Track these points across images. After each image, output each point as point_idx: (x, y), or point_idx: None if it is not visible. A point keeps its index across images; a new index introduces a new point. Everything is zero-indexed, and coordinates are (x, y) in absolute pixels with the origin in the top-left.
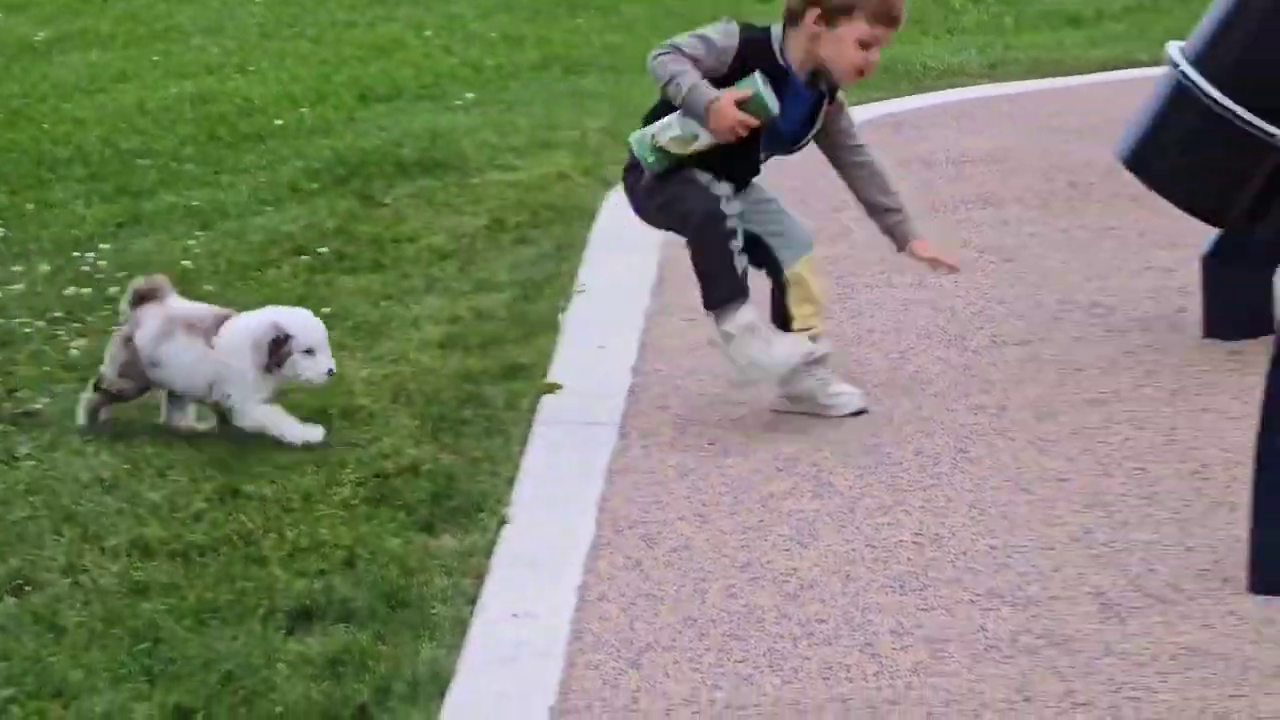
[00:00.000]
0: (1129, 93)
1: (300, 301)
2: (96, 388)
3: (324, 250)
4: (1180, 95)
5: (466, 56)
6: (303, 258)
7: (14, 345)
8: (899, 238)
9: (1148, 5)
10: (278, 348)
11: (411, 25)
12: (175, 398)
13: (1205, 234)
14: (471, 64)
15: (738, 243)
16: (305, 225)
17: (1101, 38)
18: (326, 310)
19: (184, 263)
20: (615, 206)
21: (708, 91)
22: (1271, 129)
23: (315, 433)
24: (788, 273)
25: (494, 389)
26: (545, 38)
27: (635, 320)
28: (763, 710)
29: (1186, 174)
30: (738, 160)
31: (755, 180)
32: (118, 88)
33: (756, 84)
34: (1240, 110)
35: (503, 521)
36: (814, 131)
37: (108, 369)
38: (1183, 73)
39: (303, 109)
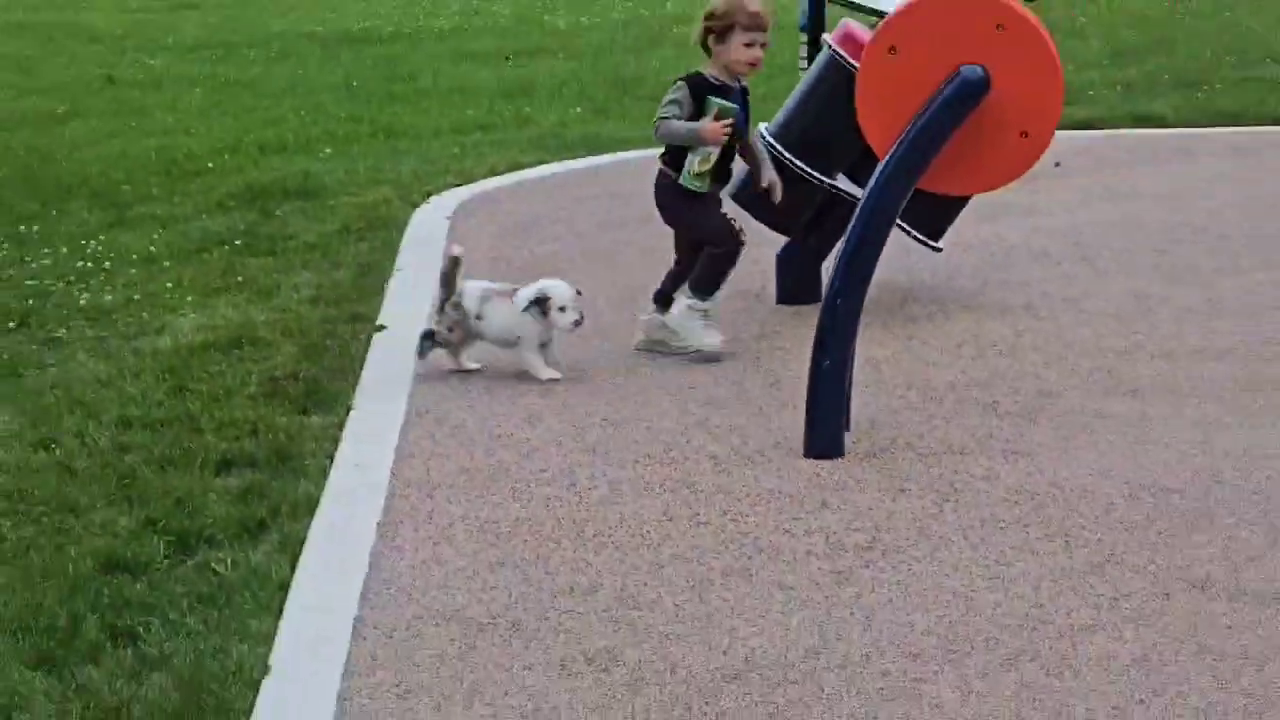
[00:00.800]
0: None
1: (222, 275)
2: (428, 336)
3: (239, 243)
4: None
5: (327, 127)
6: (225, 247)
7: (44, 298)
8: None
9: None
10: (542, 305)
11: (293, 108)
12: (461, 344)
13: (779, 240)
14: (330, 132)
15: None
16: (227, 228)
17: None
18: (239, 279)
19: (151, 249)
20: (419, 219)
21: (684, 124)
22: (819, 175)
23: (555, 373)
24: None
25: (344, 328)
26: (374, 117)
27: (429, 287)
28: (506, 525)
29: (771, 205)
30: (727, 157)
31: None
32: (109, 142)
33: (716, 101)
34: (801, 163)
35: (349, 408)
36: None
37: (439, 325)
38: (768, 142)
39: (225, 156)
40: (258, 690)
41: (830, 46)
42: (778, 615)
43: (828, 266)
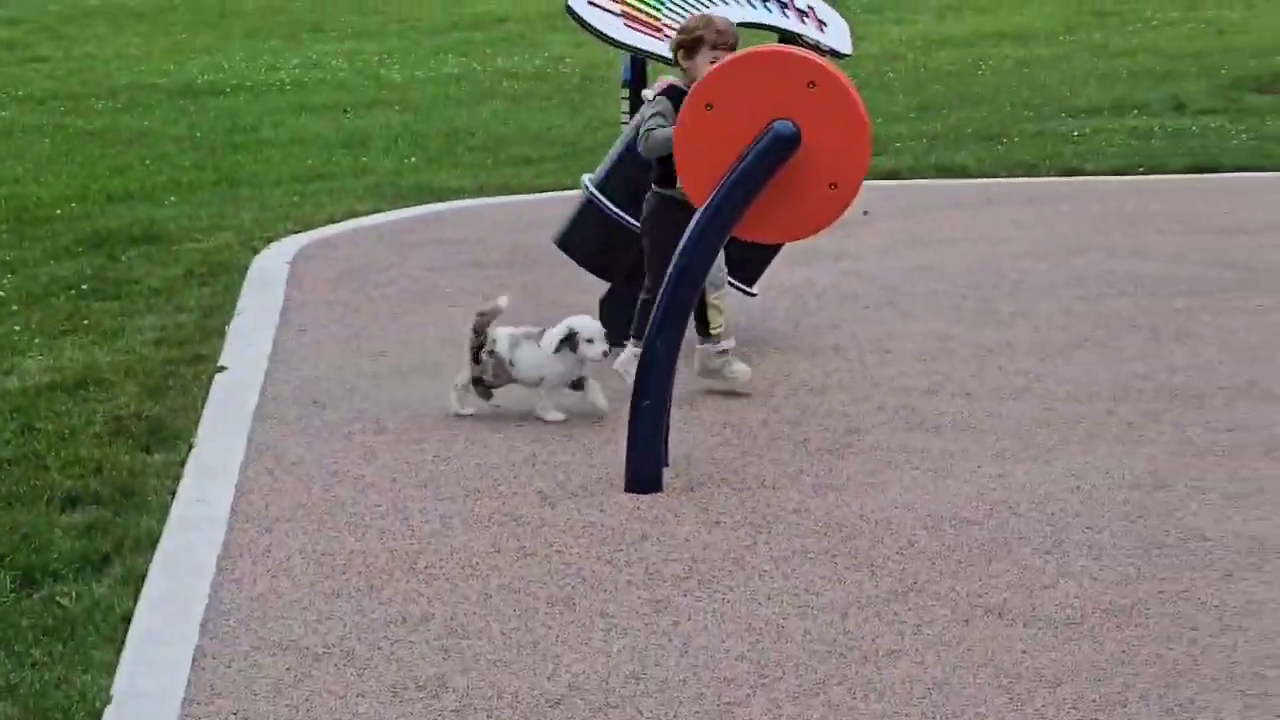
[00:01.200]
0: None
1: (69, 318)
2: (478, 382)
3: (85, 287)
4: (588, 205)
5: (171, 175)
6: (72, 292)
7: None
8: None
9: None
10: (571, 341)
11: (139, 158)
12: (483, 386)
13: (602, 286)
14: (174, 180)
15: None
16: (74, 272)
17: (545, 171)
18: (85, 322)
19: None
20: (259, 265)
21: (664, 133)
22: (639, 225)
23: (558, 415)
24: (707, 299)
25: (187, 369)
26: (217, 166)
27: (269, 329)
28: (341, 558)
29: (595, 251)
30: None
31: None
32: None
33: None
34: (622, 213)
35: (191, 446)
36: None
37: (484, 373)
38: (590, 192)
39: (73, 204)
40: (100, 719)
41: (650, 102)
42: (599, 643)
43: None
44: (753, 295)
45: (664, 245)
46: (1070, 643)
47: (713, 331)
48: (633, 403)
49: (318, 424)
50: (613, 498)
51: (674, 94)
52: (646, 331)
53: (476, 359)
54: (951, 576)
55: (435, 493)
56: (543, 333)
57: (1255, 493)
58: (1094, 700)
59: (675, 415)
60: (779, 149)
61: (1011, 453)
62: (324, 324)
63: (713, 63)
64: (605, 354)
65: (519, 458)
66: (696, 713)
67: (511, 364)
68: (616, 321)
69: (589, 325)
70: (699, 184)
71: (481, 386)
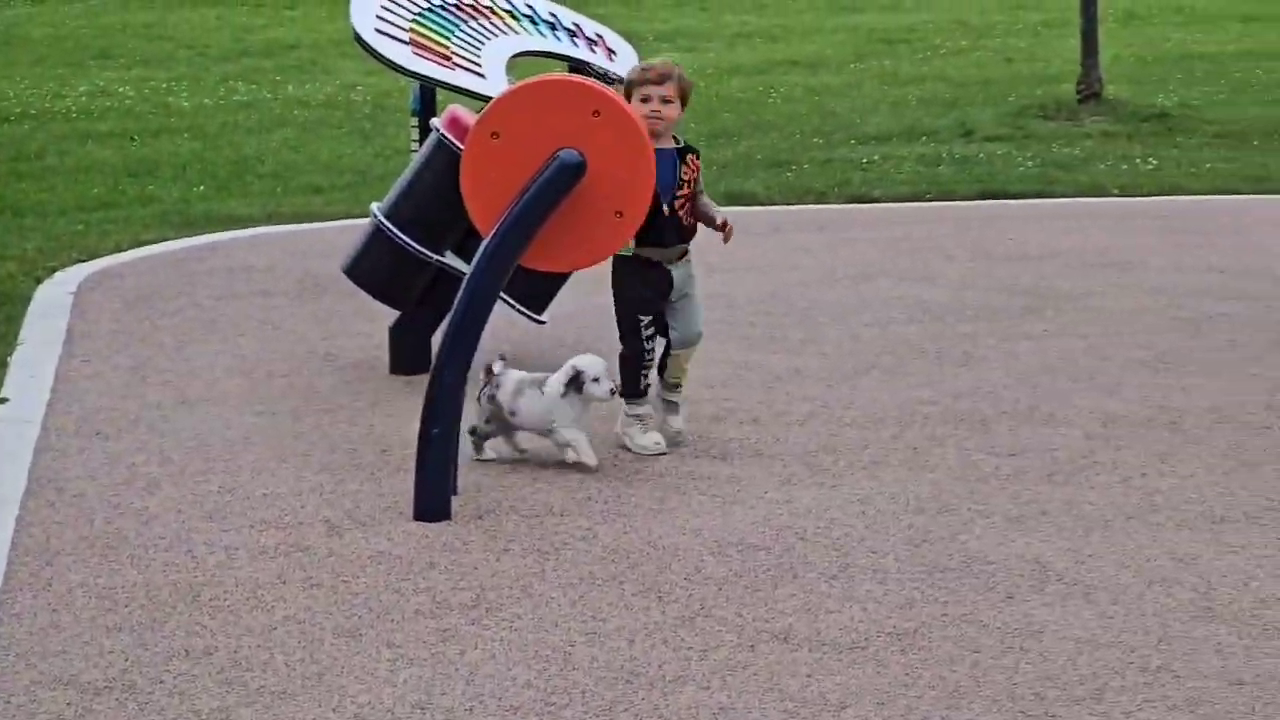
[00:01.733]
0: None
1: None
2: (473, 432)
3: None
4: (377, 233)
5: None
6: None
7: None
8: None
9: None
10: (577, 383)
11: None
12: (502, 434)
13: (393, 314)
14: None
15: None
16: None
17: (335, 199)
18: None
19: None
20: (42, 295)
21: None
22: (428, 252)
23: (592, 458)
24: (672, 352)
25: None
26: (0, 194)
27: (52, 360)
28: (123, 592)
29: (384, 279)
30: (660, 224)
31: (688, 271)
32: None
33: None
34: (410, 240)
35: None
36: (686, 179)
37: (479, 418)
38: (379, 220)
39: None
40: None
41: (438, 130)
42: (385, 673)
43: (437, 338)
44: (542, 323)
45: (630, 303)
46: (854, 666)
47: (670, 380)
48: (421, 431)
49: (100, 455)
50: (401, 526)
51: None
52: (434, 362)
53: (479, 402)
54: (738, 602)
55: (220, 524)
56: (546, 379)
57: (1037, 515)
58: None
59: (464, 443)
60: (564, 177)
61: (798, 478)
62: (108, 354)
63: (643, 101)
64: (612, 392)
65: (306, 487)
66: None
67: (512, 413)
68: (405, 350)
69: (594, 364)
70: (485, 212)
71: (474, 435)
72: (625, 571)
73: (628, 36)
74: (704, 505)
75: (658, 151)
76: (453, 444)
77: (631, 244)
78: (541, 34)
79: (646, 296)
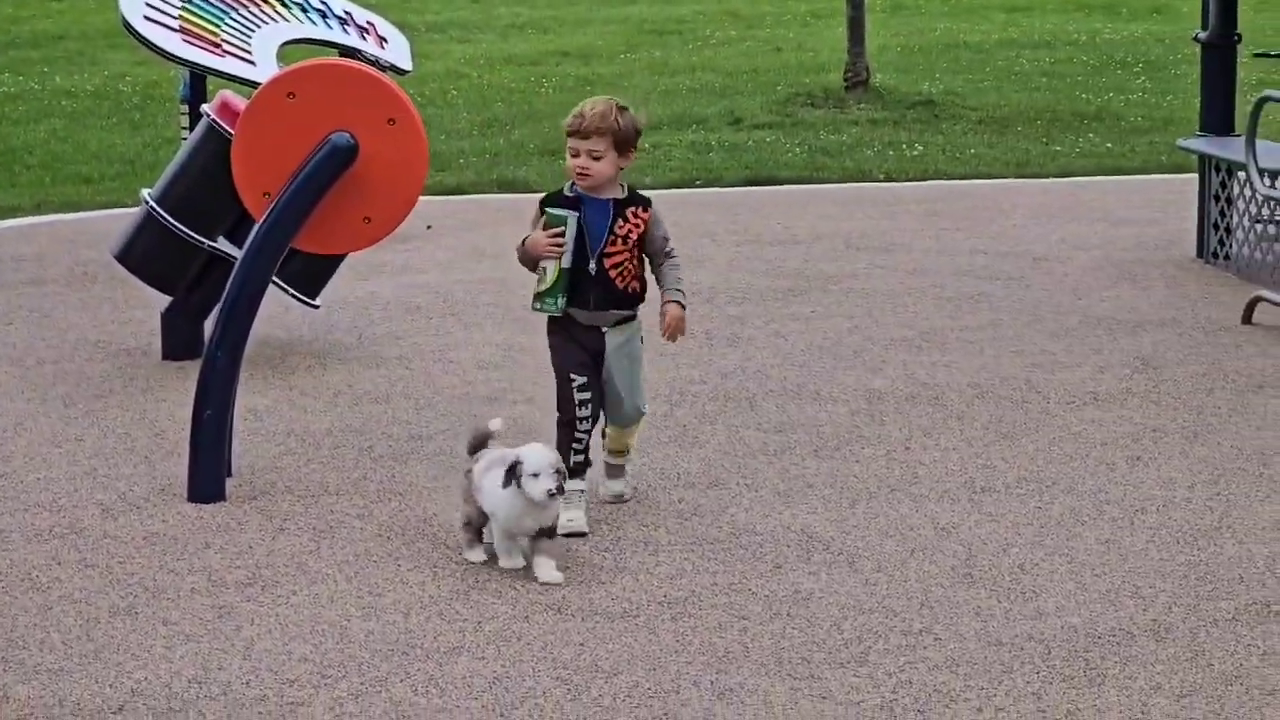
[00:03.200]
0: None
1: None
2: (466, 525)
3: None
4: (148, 218)
5: None
6: None
7: None
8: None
9: None
10: (512, 471)
11: None
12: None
13: (164, 300)
14: None
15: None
16: None
17: (105, 189)
18: None
19: None
20: None
21: (524, 237)
22: (199, 237)
23: (516, 563)
24: (607, 428)
25: None
26: None
27: None
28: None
29: (155, 264)
30: (582, 276)
31: (626, 341)
32: None
33: (550, 211)
34: (182, 226)
35: None
36: (621, 234)
37: (461, 501)
38: (150, 206)
39: None
40: None
41: (209, 116)
42: (161, 650)
43: (210, 324)
44: (315, 308)
45: (560, 362)
46: (627, 634)
47: (610, 447)
48: (194, 414)
49: None
50: (175, 508)
51: (549, 197)
52: (207, 345)
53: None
54: (511, 575)
55: None
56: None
57: (803, 489)
58: (648, 688)
59: (239, 425)
60: (335, 161)
61: None
62: None
63: (571, 154)
64: (552, 494)
65: (79, 471)
66: (260, 713)
67: (478, 489)
68: (177, 336)
69: (539, 457)
70: (257, 196)
71: (469, 528)
72: (401, 549)
73: (400, 28)
74: None
75: (590, 201)
76: (226, 426)
77: (559, 301)
78: (312, 21)
79: (577, 358)
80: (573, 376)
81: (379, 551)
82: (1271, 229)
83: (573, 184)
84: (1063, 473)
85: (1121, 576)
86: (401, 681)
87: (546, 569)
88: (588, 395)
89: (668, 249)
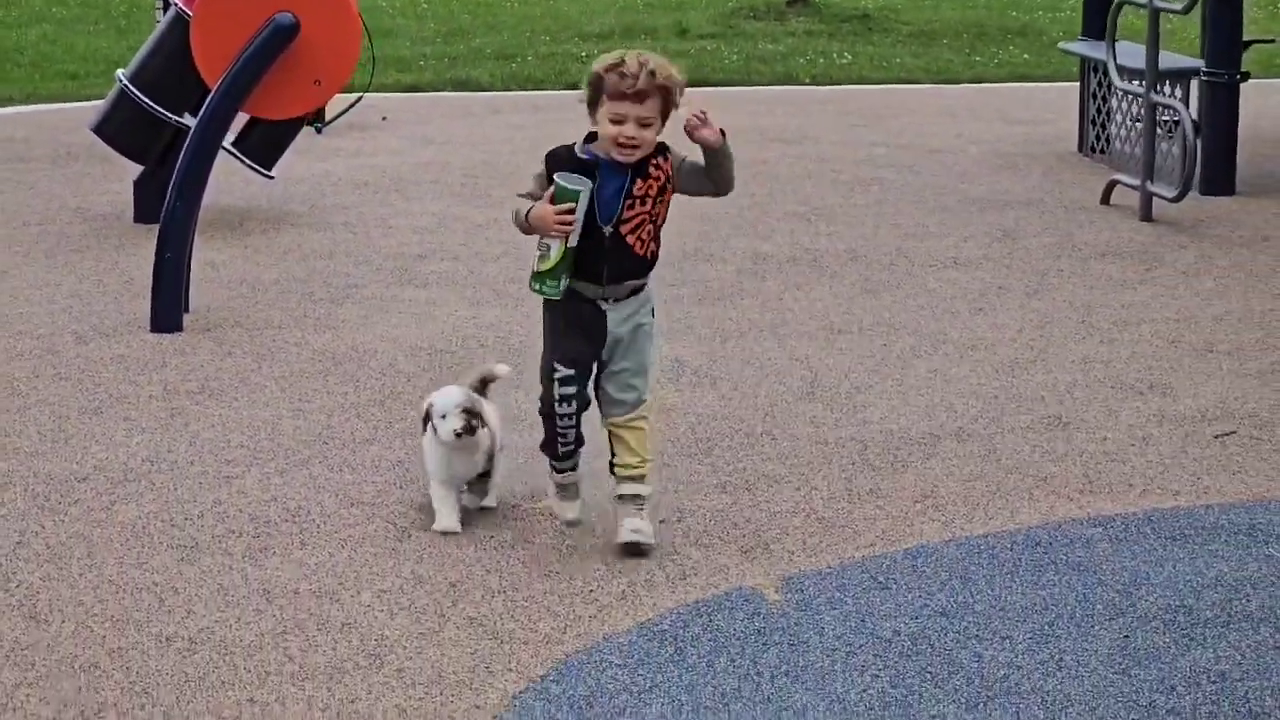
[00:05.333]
0: None
1: None
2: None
3: None
4: (122, 95)
5: None
6: None
7: None
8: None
9: None
10: (427, 415)
11: None
12: None
13: (137, 168)
14: None
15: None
16: None
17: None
18: None
19: None
20: None
21: (526, 207)
22: (168, 113)
23: (450, 525)
24: (606, 423)
25: None
26: None
27: None
28: None
29: (128, 136)
30: (594, 249)
31: (633, 314)
32: None
33: (555, 179)
34: (153, 103)
35: None
36: (640, 195)
37: None
38: (123, 84)
39: None
40: None
41: (176, 5)
42: (121, 438)
43: None
44: (270, 178)
45: (549, 346)
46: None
47: (618, 468)
48: (156, 258)
49: None
50: (139, 336)
51: (560, 156)
52: (168, 197)
53: None
54: (422, 389)
55: None
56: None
57: (684, 331)
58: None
59: (197, 274)
60: (279, 39)
61: (485, 300)
62: None
63: (613, 121)
64: (458, 434)
65: (57, 309)
66: (200, 483)
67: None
68: (147, 201)
69: (447, 398)
70: (212, 69)
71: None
72: (331, 368)
73: None
74: (403, 320)
75: (607, 164)
76: (183, 268)
77: (562, 283)
78: None
79: (568, 343)
80: (557, 367)
81: (311, 370)
82: (1158, 129)
83: (585, 143)
84: (912, 319)
85: (940, 396)
86: (320, 463)
87: (448, 519)
88: (572, 390)
89: (688, 164)
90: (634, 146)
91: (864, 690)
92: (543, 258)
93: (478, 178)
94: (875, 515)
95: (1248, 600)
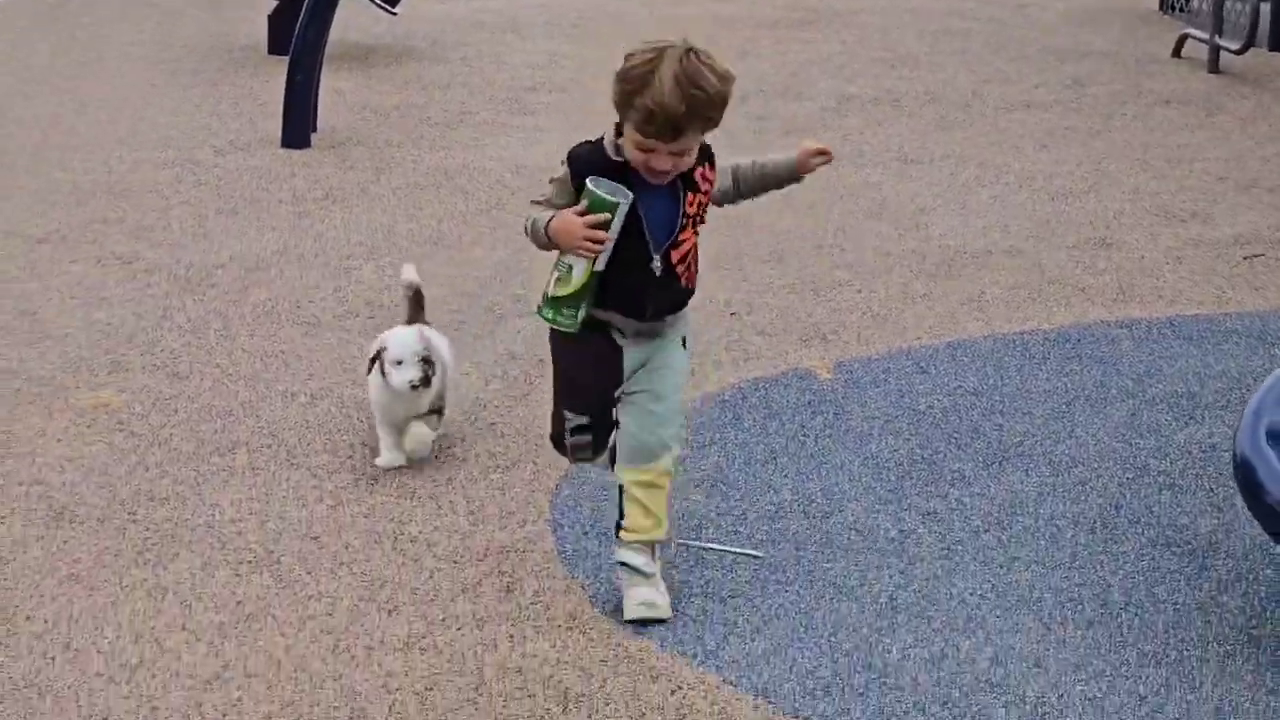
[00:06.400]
0: None
1: None
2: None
3: None
4: None
5: None
6: None
7: None
8: (785, 168)
9: None
10: (377, 358)
11: None
12: None
13: (271, 4)
14: None
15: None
16: None
17: None
18: None
19: None
20: None
21: (546, 215)
22: None
23: (393, 460)
24: (618, 471)
25: None
26: None
27: None
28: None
29: None
30: (638, 278)
31: (662, 347)
32: None
33: (586, 185)
34: None
35: None
36: (692, 214)
37: None
38: None
39: None
40: None
41: None
42: (254, 234)
43: None
44: (394, 14)
45: (561, 388)
46: None
47: (625, 533)
48: (288, 80)
49: (39, 94)
50: (271, 151)
51: (588, 158)
52: (298, 26)
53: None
54: (524, 202)
55: (130, 145)
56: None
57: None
58: None
59: (325, 100)
60: None
61: (590, 126)
62: (32, 31)
63: (640, 150)
64: (414, 385)
65: (197, 125)
66: (323, 273)
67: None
68: (280, 33)
69: (402, 341)
70: None
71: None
72: (442, 181)
73: None
74: (511, 143)
75: (644, 193)
76: (312, 90)
77: (580, 313)
78: None
79: (592, 387)
80: (569, 417)
81: (425, 183)
82: None
83: (618, 137)
84: (979, 153)
85: (998, 218)
86: (430, 260)
87: (414, 439)
88: (586, 439)
89: (731, 166)
90: (666, 175)
91: (895, 451)
92: (561, 280)
93: (588, 19)
94: (924, 314)
95: (1247, 390)
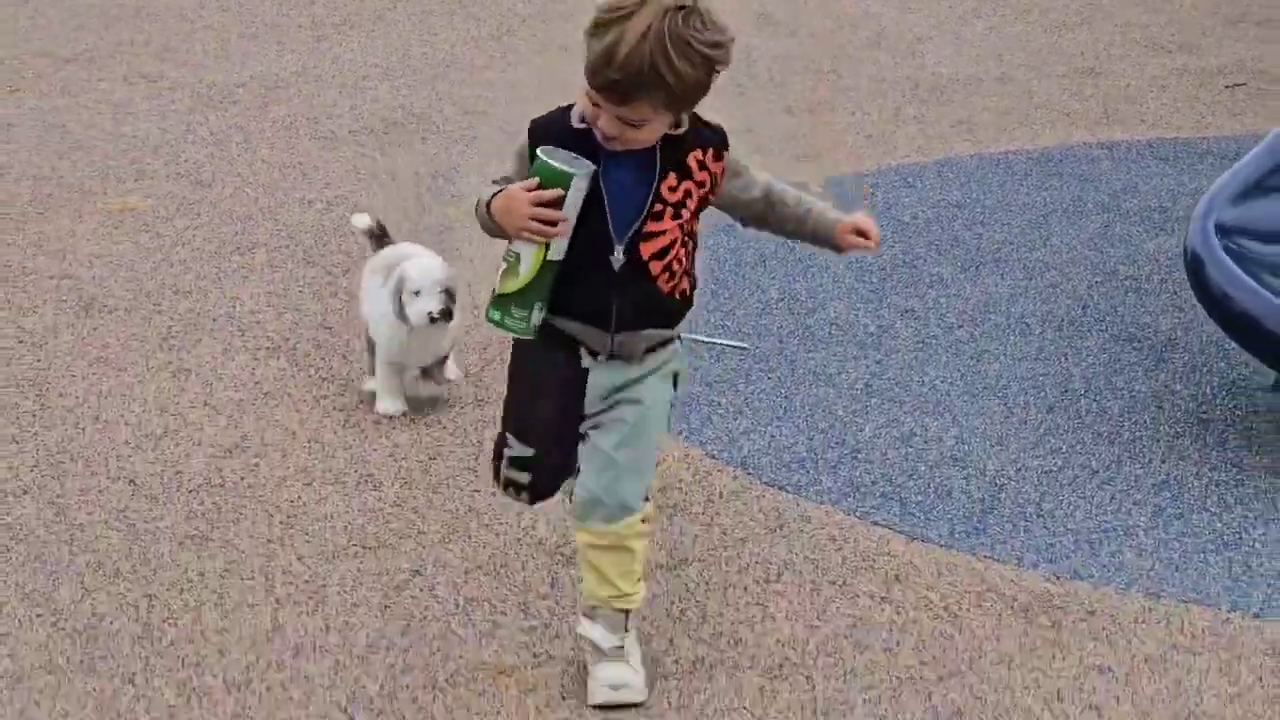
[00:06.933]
0: None
1: None
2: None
3: None
4: None
5: None
6: None
7: None
8: (825, 231)
9: None
10: (400, 291)
11: None
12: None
13: None
14: None
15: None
16: None
17: None
18: None
19: None
20: None
21: (488, 193)
22: None
23: (393, 407)
24: (575, 522)
25: None
26: None
27: None
28: None
29: None
30: (598, 278)
31: (639, 378)
32: None
33: (538, 155)
34: None
35: None
36: (672, 202)
37: None
38: None
39: None
40: None
41: None
42: (274, 55)
43: None
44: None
45: (506, 411)
46: None
47: (586, 599)
48: None
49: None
50: None
51: (545, 126)
52: None
53: None
54: (535, 23)
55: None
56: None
57: (785, 34)
58: None
59: None
60: None
61: None
62: None
63: (592, 103)
64: (434, 318)
65: None
66: (340, 91)
67: (362, 299)
68: None
69: (425, 271)
70: None
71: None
72: (457, 8)
73: None
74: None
75: (610, 160)
76: None
77: (534, 314)
78: None
79: (536, 408)
80: (511, 443)
81: (440, 9)
82: None
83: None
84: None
85: (991, 48)
86: (443, 80)
87: (392, 401)
88: (524, 478)
89: (766, 181)
90: (614, 139)
91: (878, 256)
92: (509, 272)
93: None
94: (915, 135)
95: None
